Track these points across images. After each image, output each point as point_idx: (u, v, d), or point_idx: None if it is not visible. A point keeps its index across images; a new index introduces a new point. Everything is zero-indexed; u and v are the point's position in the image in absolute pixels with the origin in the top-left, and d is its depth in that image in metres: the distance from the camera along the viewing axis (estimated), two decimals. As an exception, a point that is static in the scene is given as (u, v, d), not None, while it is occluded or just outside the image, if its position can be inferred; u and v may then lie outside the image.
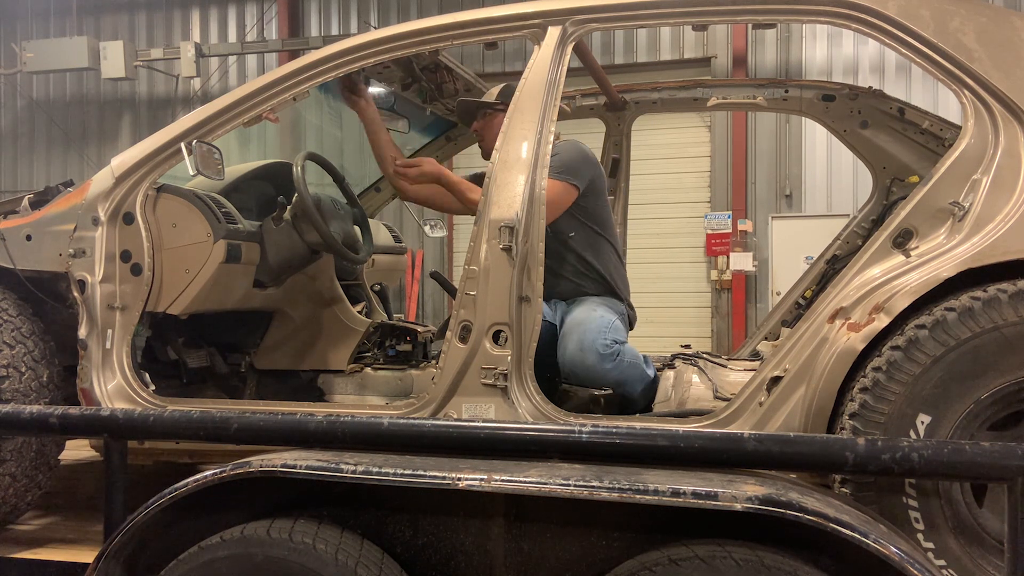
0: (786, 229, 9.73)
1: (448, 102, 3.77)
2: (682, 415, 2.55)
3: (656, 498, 1.49)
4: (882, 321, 2.14)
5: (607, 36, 10.12)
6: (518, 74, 2.58)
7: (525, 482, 1.57)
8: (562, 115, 3.30)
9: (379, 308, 3.75)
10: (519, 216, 2.40)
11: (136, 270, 2.74)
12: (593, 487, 1.53)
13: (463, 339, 2.44)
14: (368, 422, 1.82)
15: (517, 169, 2.45)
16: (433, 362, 3.09)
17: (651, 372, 2.86)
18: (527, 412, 2.38)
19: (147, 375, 2.79)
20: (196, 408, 1.97)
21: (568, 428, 1.73)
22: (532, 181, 2.44)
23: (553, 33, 2.56)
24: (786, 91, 3.49)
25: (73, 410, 1.97)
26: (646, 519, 1.65)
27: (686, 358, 3.18)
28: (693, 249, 10.11)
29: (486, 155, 2.93)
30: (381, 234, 3.99)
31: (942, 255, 2.16)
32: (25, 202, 3.05)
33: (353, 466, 1.66)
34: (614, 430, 1.70)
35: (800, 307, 3.58)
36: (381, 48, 2.71)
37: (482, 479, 1.58)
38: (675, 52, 10.16)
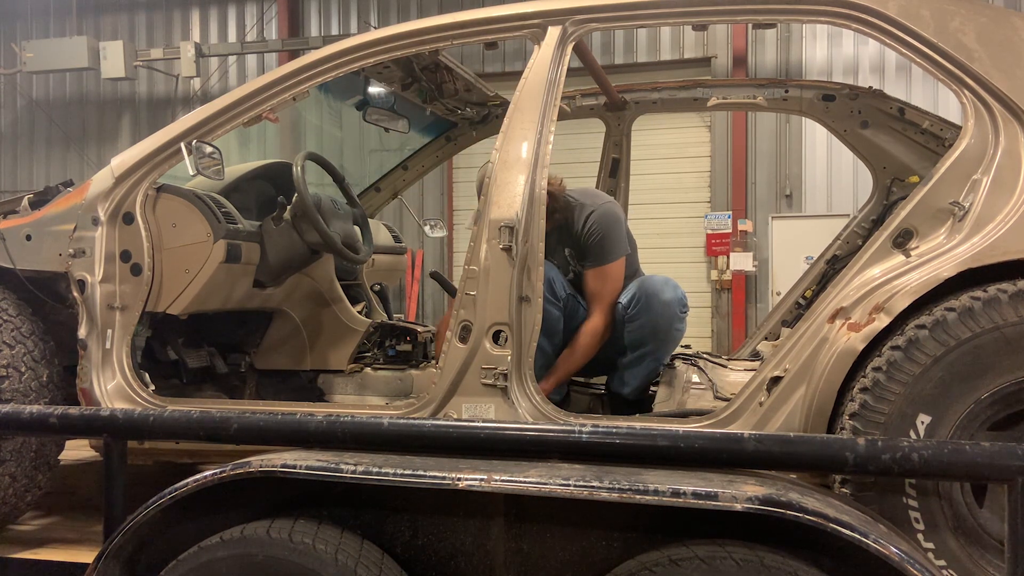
0: (786, 229, 9.73)
1: (448, 102, 3.77)
2: (682, 415, 2.55)
3: (656, 498, 1.49)
4: (882, 321, 2.14)
5: (607, 36, 10.11)
6: (518, 74, 2.58)
7: (525, 482, 1.57)
8: (562, 115, 3.30)
9: (379, 308, 3.75)
10: (519, 216, 2.40)
11: (136, 270, 2.74)
12: (593, 487, 1.53)
13: (463, 339, 2.44)
14: (368, 422, 1.82)
15: (517, 169, 2.45)
16: (433, 362, 3.09)
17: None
18: (527, 412, 2.38)
19: (147, 375, 2.79)
20: (196, 408, 1.97)
21: (568, 428, 1.73)
22: (532, 181, 2.44)
23: (553, 33, 2.56)
24: (786, 91, 3.49)
25: (73, 410, 1.97)
26: (646, 519, 1.65)
27: (686, 358, 3.18)
28: (693, 249, 10.11)
29: None
30: (381, 234, 3.99)
31: (942, 255, 2.16)
32: (25, 202, 3.05)
33: (353, 466, 1.66)
34: (614, 430, 1.70)
35: (800, 307, 3.58)
36: (381, 48, 2.71)
37: (482, 479, 1.58)
38: (675, 52, 10.16)
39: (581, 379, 3.20)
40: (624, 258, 2.99)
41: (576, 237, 2.98)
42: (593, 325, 2.90)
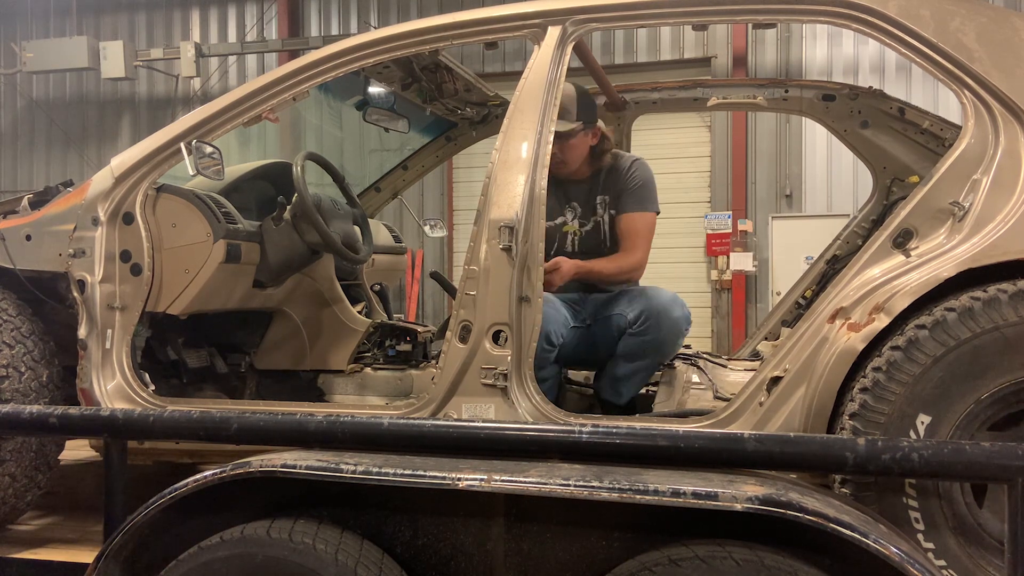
0: (786, 229, 9.73)
1: (448, 102, 3.77)
2: (682, 415, 2.55)
3: (656, 498, 1.49)
4: (882, 321, 2.14)
5: (607, 36, 10.11)
6: (518, 74, 2.58)
7: (525, 482, 1.57)
8: (562, 115, 3.29)
9: (379, 308, 3.75)
10: (519, 216, 2.40)
11: (136, 270, 2.74)
12: (593, 487, 1.53)
13: (463, 339, 2.44)
14: (368, 422, 1.82)
15: (517, 169, 2.45)
16: (433, 362, 3.09)
17: None
18: (527, 412, 2.38)
19: (147, 375, 2.78)
20: (196, 408, 1.97)
21: (568, 428, 1.73)
22: (532, 181, 2.44)
23: (553, 33, 2.56)
24: (786, 91, 3.49)
25: (73, 410, 1.97)
26: (646, 519, 1.65)
27: (686, 358, 3.18)
28: (693, 249, 10.11)
29: (568, 172, 3.02)
30: (381, 234, 3.99)
31: (942, 255, 2.16)
32: (25, 202, 3.05)
33: (353, 466, 1.66)
34: (614, 430, 1.70)
35: (800, 307, 3.58)
36: (381, 48, 2.71)
37: (482, 479, 1.58)
38: (675, 52, 10.16)
39: (580, 379, 3.20)
40: (655, 216, 3.03)
41: (617, 181, 3.01)
42: (634, 261, 2.92)
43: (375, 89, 3.50)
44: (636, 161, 3.05)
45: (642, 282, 3.10)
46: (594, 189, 3.05)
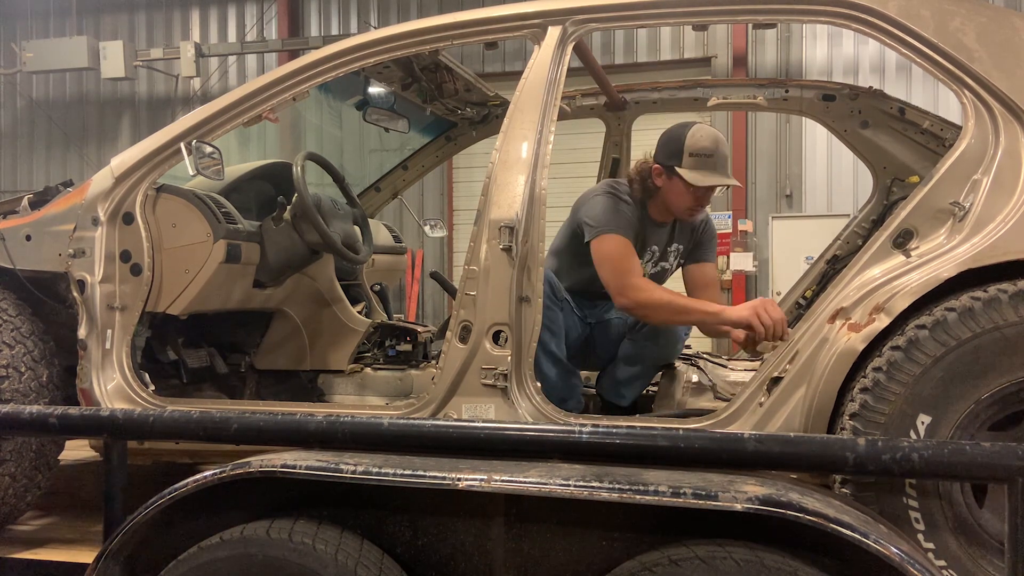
0: (786, 229, 9.73)
1: (448, 102, 3.77)
2: (682, 415, 2.55)
3: (656, 498, 1.49)
4: (882, 321, 2.14)
5: (607, 36, 10.12)
6: (518, 74, 2.58)
7: (525, 482, 1.57)
8: (562, 115, 3.29)
9: (379, 308, 3.75)
10: (519, 216, 2.40)
11: (136, 270, 2.74)
12: (593, 487, 1.53)
13: (463, 339, 2.44)
14: (368, 422, 1.82)
15: (517, 169, 2.45)
16: (433, 362, 3.09)
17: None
18: (527, 412, 2.38)
19: (147, 375, 2.78)
20: (196, 408, 1.97)
21: (568, 428, 1.73)
22: (532, 181, 2.43)
23: (553, 33, 2.56)
24: (786, 91, 3.48)
25: (73, 410, 1.97)
26: (646, 519, 1.65)
27: (686, 358, 3.18)
28: (693, 249, 10.10)
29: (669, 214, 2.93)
30: (381, 234, 3.99)
31: (942, 255, 2.16)
32: (25, 202, 3.05)
33: (353, 466, 1.66)
34: (614, 430, 1.70)
35: (800, 307, 3.58)
36: (381, 48, 2.71)
37: (482, 479, 1.58)
38: (675, 52, 10.17)
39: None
40: None
41: (692, 232, 3.06)
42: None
43: (375, 89, 3.50)
44: (708, 216, 3.12)
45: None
46: (671, 237, 3.03)
